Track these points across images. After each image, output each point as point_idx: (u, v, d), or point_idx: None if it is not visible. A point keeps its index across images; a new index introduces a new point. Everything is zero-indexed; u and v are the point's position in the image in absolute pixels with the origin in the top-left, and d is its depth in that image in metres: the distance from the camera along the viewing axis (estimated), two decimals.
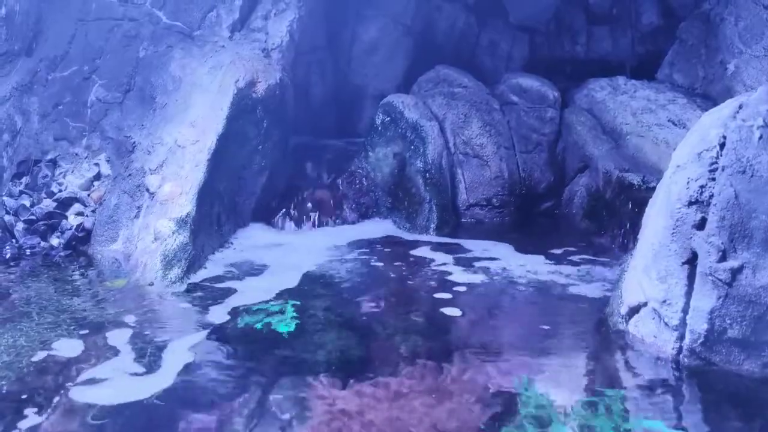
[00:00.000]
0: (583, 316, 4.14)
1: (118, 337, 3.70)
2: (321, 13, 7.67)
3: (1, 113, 5.91)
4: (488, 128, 6.72)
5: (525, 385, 3.21)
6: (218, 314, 4.11)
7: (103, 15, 6.34)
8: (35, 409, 2.95)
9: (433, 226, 6.12)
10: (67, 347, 3.57)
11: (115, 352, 3.52)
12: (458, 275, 4.91)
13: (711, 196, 3.28)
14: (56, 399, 3.04)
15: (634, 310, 3.68)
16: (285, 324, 3.92)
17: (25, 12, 6.24)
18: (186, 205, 5.03)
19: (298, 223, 6.23)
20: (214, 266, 5.03)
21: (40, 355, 3.45)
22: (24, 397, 3.05)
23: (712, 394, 3.18)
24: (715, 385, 3.22)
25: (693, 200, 3.33)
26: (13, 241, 5.42)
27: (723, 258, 3.22)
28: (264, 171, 6.10)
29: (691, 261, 3.35)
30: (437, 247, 5.70)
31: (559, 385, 3.22)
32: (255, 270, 4.99)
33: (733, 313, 3.22)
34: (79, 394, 3.07)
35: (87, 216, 5.52)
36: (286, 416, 2.91)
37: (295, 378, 3.27)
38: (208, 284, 4.67)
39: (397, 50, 8.35)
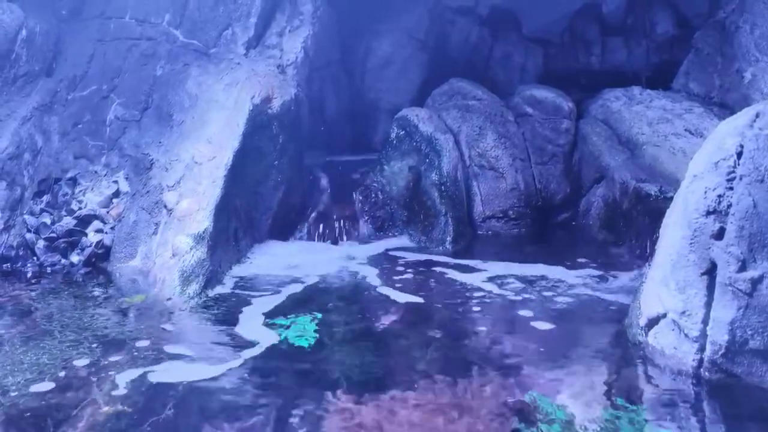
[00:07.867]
0: (602, 328, 4.11)
1: (138, 353, 3.73)
2: (334, 29, 7.74)
3: (22, 133, 6.01)
4: (503, 140, 6.72)
5: (544, 398, 3.18)
6: (236, 328, 4.13)
7: (121, 35, 6.45)
8: (62, 424, 2.98)
9: (449, 238, 6.10)
10: (89, 363, 3.60)
11: (135, 367, 3.55)
12: (475, 287, 4.90)
13: (729, 206, 3.25)
14: (78, 412, 3.07)
15: (653, 322, 3.64)
16: (303, 338, 3.93)
17: (45, 33, 6.37)
18: (203, 221, 5.08)
19: (315, 238, 6.26)
20: (231, 281, 5.06)
21: (64, 372, 3.49)
22: (49, 411, 3.08)
23: (734, 407, 3.13)
24: (737, 398, 3.17)
25: (711, 210, 3.31)
26: (35, 258, 5.50)
27: (742, 268, 3.19)
28: (280, 186, 6.14)
29: (710, 271, 3.31)
30: (453, 259, 5.69)
31: (577, 398, 3.19)
32: (272, 284, 5.01)
33: (755, 323, 3.18)
34: (99, 407, 3.10)
35: (106, 233, 5.59)
36: (305, 429, 2.91)
37: (314, 391, 3.27)
38: (225, 299, 4.70)
39: (410, 64, 8.40)
